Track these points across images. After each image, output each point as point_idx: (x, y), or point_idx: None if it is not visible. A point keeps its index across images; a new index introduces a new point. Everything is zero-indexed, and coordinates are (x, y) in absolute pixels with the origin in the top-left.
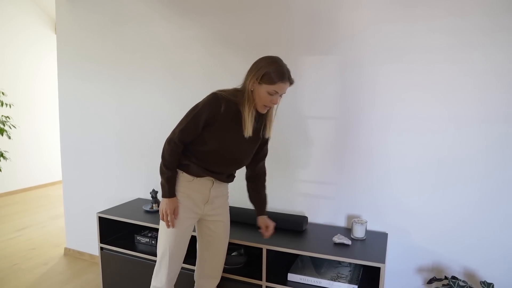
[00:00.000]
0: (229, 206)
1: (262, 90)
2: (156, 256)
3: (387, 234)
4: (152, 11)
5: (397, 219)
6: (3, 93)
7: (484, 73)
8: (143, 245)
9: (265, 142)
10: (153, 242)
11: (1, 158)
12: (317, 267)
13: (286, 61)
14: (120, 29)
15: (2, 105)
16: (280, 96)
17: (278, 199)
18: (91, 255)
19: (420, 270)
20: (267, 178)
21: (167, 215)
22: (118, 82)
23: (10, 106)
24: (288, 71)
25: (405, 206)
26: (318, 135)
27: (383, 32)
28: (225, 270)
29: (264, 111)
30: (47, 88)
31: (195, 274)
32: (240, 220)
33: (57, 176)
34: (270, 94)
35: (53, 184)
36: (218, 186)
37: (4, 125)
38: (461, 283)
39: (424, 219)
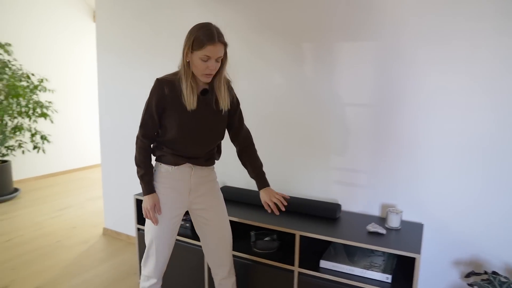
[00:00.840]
0: (250, 190)
1: (196, 58)
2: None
3: (423, 224)
4: None
5: (434, 210)
6: (46, 79)
7: None
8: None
9: (232, 114)
10: (187, 225)
11: (45, 142)
12: (350, 255)
13: (323, 47)
14: (155, 15)
15: (45, 90)
16: (217, 61)
17: (312, 186)
18: (128, 236)
19: (457, 263)
20: (305, 160)
21: (148, 212)
22: (154, 68)
23: (52, 92)
24: (218, 33)
25: (442, 196)
26: (355, 122)
27: (425, 18)
28: (258, 255)
29: (207, 80)
30: (86, 74)
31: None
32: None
33: (97, 159)
34: (203, 60)
35: (93, 167)
36: (199, 171)
37: (47, 110)
38: (503, 279)
39: (463, 210)
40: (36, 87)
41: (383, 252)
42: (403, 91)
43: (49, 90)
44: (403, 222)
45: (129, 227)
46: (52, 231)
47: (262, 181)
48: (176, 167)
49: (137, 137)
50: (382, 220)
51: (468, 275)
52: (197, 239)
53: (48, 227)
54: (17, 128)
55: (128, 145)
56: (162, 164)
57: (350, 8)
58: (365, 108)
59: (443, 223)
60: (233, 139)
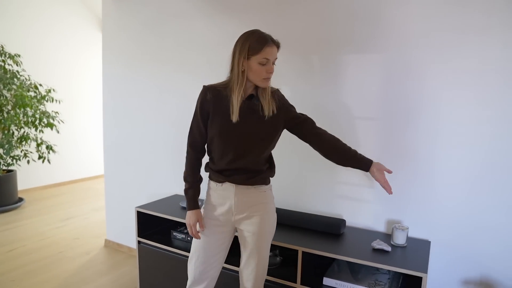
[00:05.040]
0: None
1: (254, 64)
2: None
3: (430, 242)
4: (192, 8)
5: (441, 227)
6: (53, 89)
7: None
8: (179, 241)
9: (290, 118)
10: (188, 238)
11: (51, 151)
12: (354, 272)
13: (330, 59)
14: (161, 27)
15: (52, 101)
16: (273, 63)
17: (315, 201)
18: (129, 248)
19: (466, 283)
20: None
21: (190, 228)
22: (159, 79)
23: (59, 102)
24: (270, 36)
25: (451, 213)
26: (359, 136)
27: (432, 29)
28: None
29: (266, 84)
30: (92, 84)
31: None
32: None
33: (101, 169)
34: (262, 64)
35: (98, 177)
36: (244, 191)
37: (53, 120)
38: None
39: (473, 227)
40: (43, 97)
41: (389, 270)
42: (409, 104)
43: (56, 100)
44: (409, 239)
45: (131, 239)
46: (55, 241)
47: (364, 161)
48: (220, 184)
49: (186, 148)
50: (387, 237)
51: None
52: None
53: (51, 238)
54: (23, 138)
55: (132, 157)
56: (210, 181)
57: (354, 19)
58: (370, 122)
59: (452, 240)
60: (309, 141)
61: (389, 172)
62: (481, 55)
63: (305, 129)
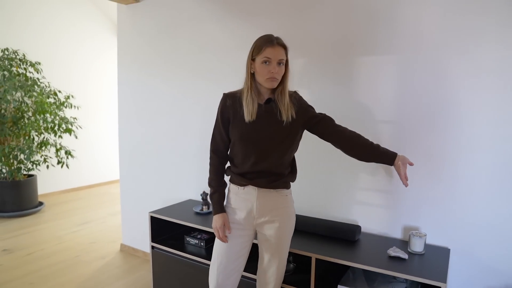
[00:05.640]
0: None
1: (258, 64)
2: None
3: (449, 249)
4: (205, 12)
5: (461, 234)
6: (72, 96)
7: None
8: (192, 246)
9: (308, 118)
10: (201, 244)
11: (69, 157)
12: (370, 280)
13: (342, 61)
14: (175, 31)
15: (71, 107)
16: (280, 64)
17: (330, 207)
18: (144, 253)
19: None
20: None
21: (217, 232)
22: (174, 84)
23: (77, 108)
24: (277, 38)
25: (471, 219)
26: (375, 139)
27: (449, 29)
28: None
29: (272, 85)
30: (108, 89)
31: None
32: None
33: (118, 174)
34: (265, 63)
35: (114, 182)
36: (266, 195)
37: (72, 126)
38: None
39: (495, 235)
40: (62, 103)
41: (406, 279)
42: (426, 106)
43: (74, 106)
44: (427, 246)
45: (146, 244)
46: (72, 245)
47: (389, 155)
48: (242, 188)
49: (210, 153)
50: (404, 244)
51: None
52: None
53: (68, 242)
54: (43, 144)
55: (147, 161)
56: (231, 184)
57: (369, 20)
58: (385, 125)
59: (472, 248)
60: (331, 140)
61: (411, 164)
62: (500, 55)
63: (325, 127)
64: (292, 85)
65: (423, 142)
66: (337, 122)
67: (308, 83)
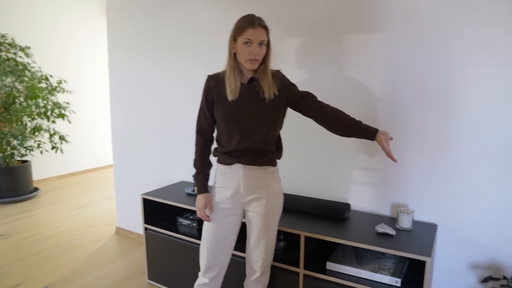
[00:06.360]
0: None
1: (239, 45)
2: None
3: (436, 225)
4: None
5: (448, 210)
6: (64, 80)
7: None
8: (185, 227)
9: (291, 95)
10: (194, 224)
11: (63, 142)
12: (359, 257)
13: (330, 40)
14: (164, 12)
15: (63, 92)
16: (261, 45)
17: (320, 185)
18: (139, 235)
19: (475, 267)
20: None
21: (199, 211)
22: (163, 67)
23: (70, 93)
24: (258, 18)
25: (458, 195)
26: (364, 117)
27: (437, 5)
28: None
29: (253, 66)
30: (102, 74)
31: None
32: None
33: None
34: (246, 44)
35: (110, 166)
36: (252, 172)
37: (65, 111)
38: None
39: (481, 211)
40: (54, 88)
41: (394, 255)
42: (414, 85)
43: (67, 91)
44: (415, 223)
45: (140, 226)
46: (68, 229)
47: (370, 130)
48: (229, 166)
49: (195, 134)
50: (393, 220)
51: (485, 280)
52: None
53: (64, 226)
54: (36, 129)
55: (139, 144)
56: (218, 164)
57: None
58: (374, 103)
59: (459, 224)
60: (313, 116)
61: (391, 139)
62: (489, 32)
63: (307, 103)
64: (282, 64)
65: (414, 120)
66: (329, 101)
67: (299, 63)
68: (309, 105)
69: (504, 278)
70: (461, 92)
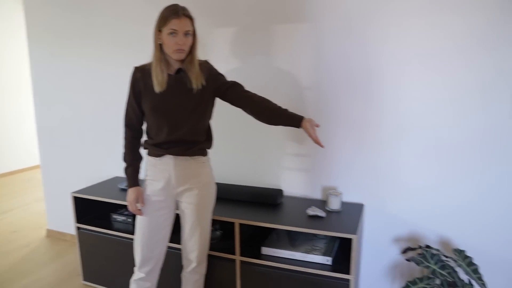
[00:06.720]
0: None
1: (165, 36)
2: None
3: (363, 205)
4: None
5: (373, 190)
6: None
7: (466, 37)
8: (120, 224)
9: (218, 85)
10: (129, 220)
11: None
12: (293, 240)
13: (258, 30)
14: (87, 3)
15: None
16: (185, 35)
17: (253, 173)
18: (72, 236)
19: (397, 240)
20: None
21: (131, 205)
22: (90, 58)
23: None
24: (182, 8)
25: (382, 176)
26: (293, 106)
27: None
28: None
29: (180, 56)
30: (24, 71)
31: None
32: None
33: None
34: (171, 35)
35: (39, 167)
36: (183, 163)
37: None
38: (434, 252)
39: (402, 189)
40: None
41: (325, 235)
42: (338, 73)
43: None
44: (344, 204)
45: (73, 227)
46: None
47: (296, 117)
48: (159, 158)
49: (123, 128)
50: (323, 203)
51: (404, 251)
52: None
53: None
54: None
55: (68, 141)
56: (149, 157)
57: None
58: (302, 91)
59: (382, 202)
60: (241, 105)
61: (317, 126)
62: (403, 22)
63: (235, 93)
64: (212, 54)
65: (340, 107)
66: (258, 91)
67: (228, 53)
68: (236, 95)
69: (420, 247)
70: (381, 80)
